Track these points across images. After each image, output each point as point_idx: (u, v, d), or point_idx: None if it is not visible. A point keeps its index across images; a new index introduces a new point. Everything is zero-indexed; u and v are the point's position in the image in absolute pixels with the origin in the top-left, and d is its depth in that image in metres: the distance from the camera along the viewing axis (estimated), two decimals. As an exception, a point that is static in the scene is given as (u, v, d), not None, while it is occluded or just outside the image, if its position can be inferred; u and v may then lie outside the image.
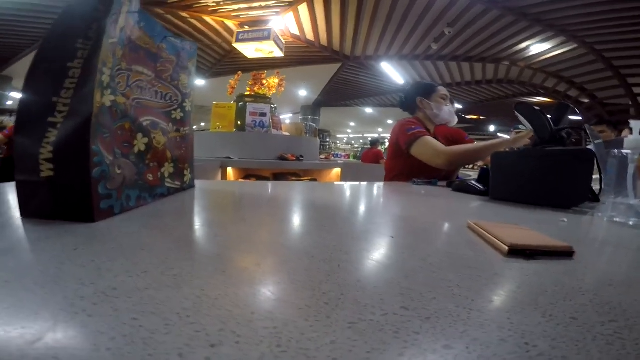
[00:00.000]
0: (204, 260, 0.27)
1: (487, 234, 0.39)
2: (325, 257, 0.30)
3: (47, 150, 0.35)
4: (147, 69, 0.50)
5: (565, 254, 0.34)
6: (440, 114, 1.47)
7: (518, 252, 0.33)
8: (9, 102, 8.32)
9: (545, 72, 7.38)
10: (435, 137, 1.51)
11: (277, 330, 0.17)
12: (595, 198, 0.75)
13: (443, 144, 1.58)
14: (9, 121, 3.93)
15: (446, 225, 0.50)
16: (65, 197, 0.36)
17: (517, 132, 1.34)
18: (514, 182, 0.78)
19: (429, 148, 1.31)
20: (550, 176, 0.73)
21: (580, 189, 0.72)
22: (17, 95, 8.67)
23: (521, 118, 0.91)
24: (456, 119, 1.55)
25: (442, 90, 1.51)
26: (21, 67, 7.62)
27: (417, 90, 1.54)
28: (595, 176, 0.77)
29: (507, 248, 0.34)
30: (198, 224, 0.43)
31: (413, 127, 1.38)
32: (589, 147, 0.97)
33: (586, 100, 8.13)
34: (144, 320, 0.17)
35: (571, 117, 0.94)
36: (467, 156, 1.30)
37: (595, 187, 0.76)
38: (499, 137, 1.38)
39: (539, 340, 0.18)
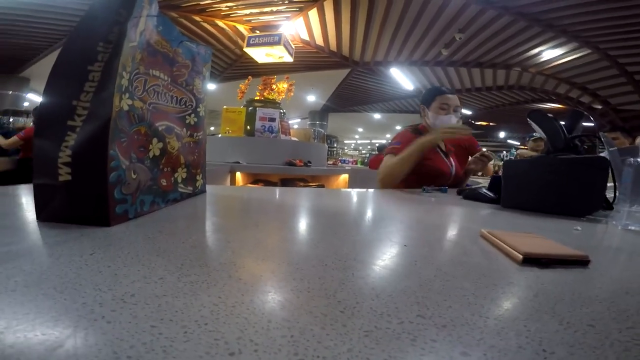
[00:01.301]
0: (218, 267, 0.27)
1: (500, 243, 0.39)
2: (338, 265, 0.30)
3: (66, 154, 0.36)
4: (163, 73, 0.50)
5: (581, 262, 0.34)
6: (435, 123, 1.43)
7: (532, 260, 0.33)
8: (26, 104, 8.50)
9: (558, 78, 7.29)
10: (443, 150, 1.52)
11: (294, 339, 0.17)
12: (608, 206, 0.74)
13: (455, 152, 1.57)
14: (26, 122, 3.99)
15: (459, 234, 0.49)
16: (81, 201, 0.36)
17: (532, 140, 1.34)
18: (526, 190, 0.77)
19: (381, 167, 1.37)
20: (563, 184, 0.72)
21: (595, 197, 0.71)
22: (34, 96, 8.86)
23: (534, 125, 0.90)
24: None
25: (442, 99, 1.45)
26: (38, 69, 7.79)
27: (422, 96, 1.54)
28: (609, 184, 0.76)
29: (521, 257, 0.34)
30: (211, 229, 0.43)
31: (395, 141, 1.42)
32: (602, 154, 0.95)
33: (599, 107, 8.01)
34: (163, 328, 0.17)
35: (584, 124, 0.92)
36: (391, 172, 1.30)
37: (609, 195, 0.75)
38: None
39: (556, 347, 0.18)
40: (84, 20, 0.40)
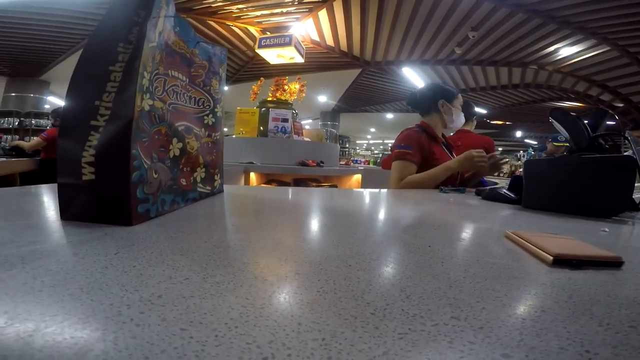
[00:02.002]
0: (243, 267, 0.27)
1: (528, 244, 0.38)
2: (363, 266, 0.29)
3: (89, 153, 0.36)
4: (181, 74, 0.51)
5: (614, 264, 0.33)
6: (456, 120, 1.48)
7: (563, 261, 0.32)
8: (47, 106, 8.74)
9: (576, 76, 7.11)
10: (445, 143, 1.50)
11: (325, 342, 0.17)
12: (635, 207, 0.71)
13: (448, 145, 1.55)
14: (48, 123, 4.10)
15: (482, 235, 0.48)
16: (104, 200, 0.37)
17: (552, 143, 1.32)
18: (548, 190, 0.75)
19: (397, 173, 1.36)
20: (589, 184, 0.69)
21: (622, 197, 0.68)
22: (54, 99, 9.10)
23: (556, 124, 0.87)
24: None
25: (461, 98, 1.53)
26: (58, 72, 8.00)
27: (440, 93, 1.51)
28: (637, 184, 0.73)
29: (551, 258, 0.33)
30: (232, 229, 0.42)
31: (403, 144, 1.40)
32: (627, 153, 0.92)
33: (620, 105, 7.78)
34: (193, 331, 0.17)
35: (607, 123, 0.89)
36: (421, 186, 1.30)
37: (635, 195, 0.72)
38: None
39: (599, 348, 0.18)
40: (104, 21, 0.40)
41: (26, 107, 8.26)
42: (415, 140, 1.40)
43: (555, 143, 3.62)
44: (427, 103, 1.52)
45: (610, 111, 0.91)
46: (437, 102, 1.48)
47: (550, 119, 0.88)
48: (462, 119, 1.51)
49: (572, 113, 0.85)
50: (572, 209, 0.71)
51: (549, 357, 0.16)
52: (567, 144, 0.89)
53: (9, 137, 7.61)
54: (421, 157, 1.38)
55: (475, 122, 2.35)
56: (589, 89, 7.68)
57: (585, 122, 0.84)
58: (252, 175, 2.44)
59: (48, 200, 0.54)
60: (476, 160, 1.25)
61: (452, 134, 2.07)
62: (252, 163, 2.48)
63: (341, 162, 5.39)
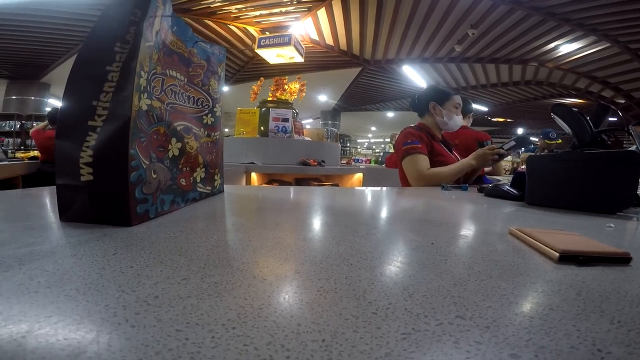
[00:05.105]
0: (242, 267, 0.26)
1: (533, 240, 0.38)
2: (364, 265, 0.29)
3: (87, 154, 0.36)
4: (180, 74, 0.50)
5: (622, 259, 0.32)
6: (449, 122, 1.47)
7: (570, 258, 0.32)
8: (48, 109, 8.76)
9: (577, 73, 7.08)
10: (444, 142, 1.51)
11: (326, 343, 0.16)
12: (639, 203, 0.71)
13: (471, 146, 1.54)
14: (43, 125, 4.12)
15: (486, 231, 0.47)
16: (103, 201, 0.36)
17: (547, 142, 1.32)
18: (552, 186, 0.74)
19: (414, 168, 1.36)
20: (593, 180, 0.69)
21: (626, 193, 0.68)
22: (55, 101, 9.12)
23: (558, 120, 0.87)
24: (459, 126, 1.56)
25: (457, 99, 1.50)
26: (59, 74, 8.01)
27: (432, 94, 1.51)
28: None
29: (557, 254, 0.32)
30: (232, 229, 0.42)
31: (409, 141, 1.40)
32: (631, 148, 0.91)
33: (622, 101, 7.75)
34: (189, 333, 0.16)
35: (609, 119, 0.89)
36: (445, 180, 1.31)
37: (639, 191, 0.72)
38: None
39: (611, 347, 0.17)
40: (101, 21, 0.40)
41: (27, 110, 8.28)
42: (418, 135, 1.42)
43: (547, 140, 3.61)
44: (420, 105, 1.54)
45: (613, 107, 0.90)
46: (428, 105, 1.50)
47: (553, 115, 0.88)
48: (457, 121, 1.49)
49: (573, 109, 0.84)
50: (576, 205, 0.70)
51: (560, 356, 0.16)
52: (560, 141, 0.88)
53: (11, 140, 7.64)
54: (427, 151, 1.39)
55: (471, 119, 2.33)
56: (590, 86, 7.65)
57: (588, 118, 0.83)
58: (254, 175, 2.44)
59: (48, 202, 0.53)
60: (488, 155, 1.33)
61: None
62: (253, 163, 2.48)
63: (342, 161, 5.38)
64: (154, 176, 0.41)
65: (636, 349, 0.17)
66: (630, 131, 0.84)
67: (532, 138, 1.58)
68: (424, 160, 1.36)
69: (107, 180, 0.36)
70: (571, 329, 0.19)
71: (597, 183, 0.68)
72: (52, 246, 0.30)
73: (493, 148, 1.34)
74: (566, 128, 0.86)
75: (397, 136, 1.51)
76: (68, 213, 0.37)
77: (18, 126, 7.97)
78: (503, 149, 1.34)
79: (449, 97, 1.48)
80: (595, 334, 0.18)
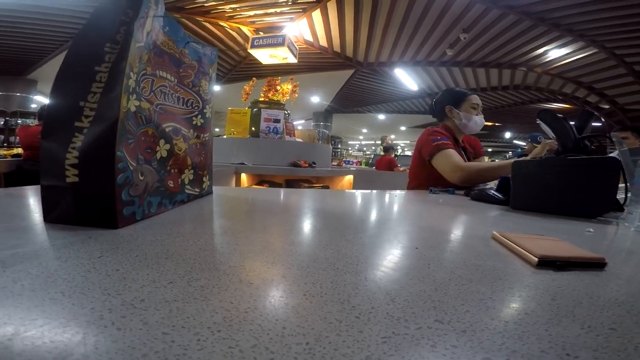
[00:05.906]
0: (228, 271, 0.27)
1: (514, 245, 0.39)
2: (350, 269, 0.29)
3: (73, 155, 0.35)
4: (170, 74, 0.50)
5: (597, 264, 0.34)
6: (468, 124, 1.44)
7: (548, 263, 0.33)
8: (33, 105, 8.58)
9: (564, 78, 7.22)
10: (464, 148, 1.49)
11: (309, 346, 0.17)
12: (619, 207, 0.73)
13: (466, 149, 1.55)
14: (33, 123, 4.03)
15: (470, 236, 0.48)
16: (89, 203, 0.36)
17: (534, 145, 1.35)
18: (536, 191, 0.76)
19: (449, 162, 1.30)
20: (575, 185, 0.71)
21: (606, 198, 0.70)
22: (41, 98, 8.94)
23: (544, 126, 0.89)
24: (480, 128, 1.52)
25: (474, 99, 1.47)
26: (45, 71, 7.85)
27: (446, 98, 1.51)
28: (620, 185, 0.74)
29: (536, 259, 0.33)
30: (219, 232, 0.42)
31: (438, 137, 1.37)
32: (612, 154, 0.93)
33: (607, 106, 7.92)
34: (175, 335, 0.17)
35: (593, 124, 0.91)
36: (484, 175, 1.26)
37: (619, 196, 0.74)
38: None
39: (580, 351, 0.18)
40: (91, 21, 0.40)
41: (12, 106, 8.10)
42: (444, 134, 1.39)
43: (534, 144, 3.71)
44: (438, 110, 1.52)
45: (596, 113, 0.93)
46: (444, 109, 1.49)
47: (538, 121, 0.90)
48: (478, 121, 1.44)
49: (559, 115, 0.86)
50: (558, 209, 0.72)
51: (530, 360, 0.16)
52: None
53: (-5, 136, 7.46)
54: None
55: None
56: (577, 91, 7.80)
57: (572, 123, 0.86)
58: (243, 176, 2.43)
59: (31, 203, 0.53)
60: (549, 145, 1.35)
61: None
62: (243, 164, 2.47)
63: (333, 163, 5.39)
64: (141, 178, 0.41)
65: (603, 354, 0.18)
66: (612, 137, 0.86)
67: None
68: (455, 155, 1.31)
69: (93, 182, 0.36)
70: (543, 333, 0.19)
71: (578, 188, 0.70)
72: (36, 248, 0.30)
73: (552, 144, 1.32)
74: (551, 134, 0.88)
75: (420, 136, 1.48)
76: (52, 214, 0.37)
77: (2, 123, 7.79)
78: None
79: (464, 97, 1.46)
80: (565, 338, 0.19)
